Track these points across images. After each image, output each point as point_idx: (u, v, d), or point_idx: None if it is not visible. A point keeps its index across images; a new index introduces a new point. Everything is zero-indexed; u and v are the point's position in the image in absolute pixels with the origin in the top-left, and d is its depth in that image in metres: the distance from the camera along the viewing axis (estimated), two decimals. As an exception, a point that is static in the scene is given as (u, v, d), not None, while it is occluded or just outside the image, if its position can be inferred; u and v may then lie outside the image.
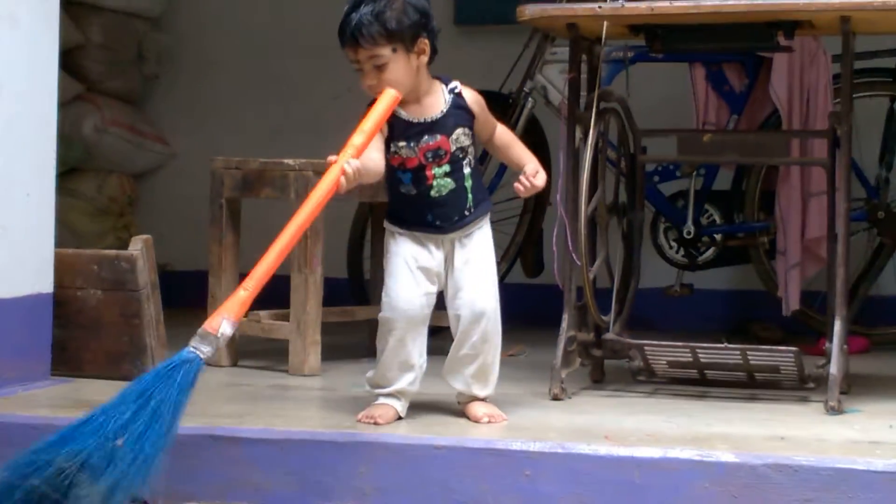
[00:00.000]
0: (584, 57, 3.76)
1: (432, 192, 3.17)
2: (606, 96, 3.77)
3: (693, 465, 2.86)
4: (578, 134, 3.65)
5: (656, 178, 4.91)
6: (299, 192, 3.99)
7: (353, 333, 4.54)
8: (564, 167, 3.69)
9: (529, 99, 4.92)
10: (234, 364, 4.17)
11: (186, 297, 4.99)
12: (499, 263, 5.03)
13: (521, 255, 5.11)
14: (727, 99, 4.85)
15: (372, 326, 4.41)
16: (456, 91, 3.20)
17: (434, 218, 3.18)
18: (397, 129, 3.17)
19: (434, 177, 3.17)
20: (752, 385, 3.74)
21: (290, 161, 4.04)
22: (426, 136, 3.15)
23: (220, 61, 6.14)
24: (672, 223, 4.90)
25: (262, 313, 4.11)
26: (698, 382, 3.78)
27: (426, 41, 3.13)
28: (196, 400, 3.47)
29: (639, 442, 2.98)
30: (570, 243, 3.58)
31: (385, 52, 3.08)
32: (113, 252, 3.85)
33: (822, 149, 4.21)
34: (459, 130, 3.17)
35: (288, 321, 4.02)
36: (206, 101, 6.14)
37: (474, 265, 3.21)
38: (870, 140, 4.82)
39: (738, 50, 4.61)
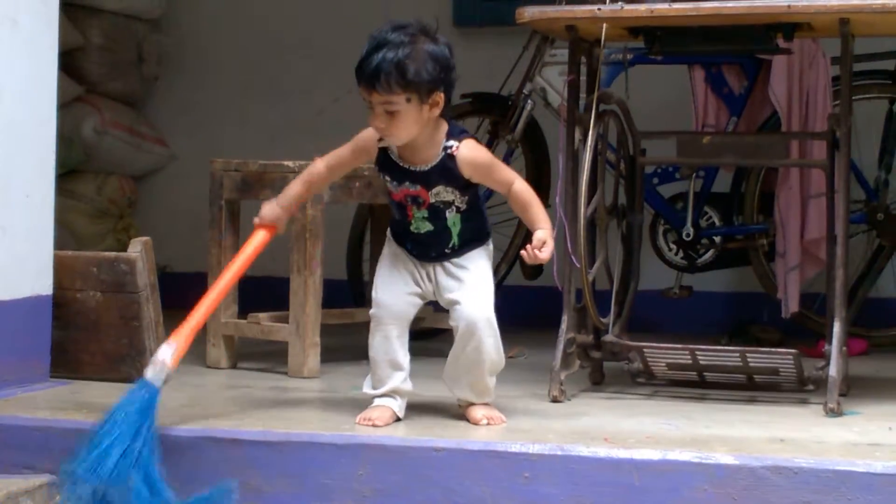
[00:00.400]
0: (583, 59, 3.76)
1: (412, 227, 3.20)
2: (606, 98, 3.77)
3: (692, 468, 2.86)
4: (578, 136, 3.65)
5: (655, 180, 4.90)
6: (299, 194, 3.99)
7: (353, 335, 4.53)
8: (563, 169, 3.69)
9: (529, 101, 4.92)
10: (234, 366, 4.18)
11: (186, 298, 4.97)
12: (498, 266, 5.07)
13: (520, 257, 5.11)
14: (726, 101, 4.85)
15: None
16: (449, 151, 3.13)
17: (412, 248, 3.23)
18: (386, 165, 3.19)
19: (413, 216, 3.19)
20: (752, 387, 3.74)
21: (289, 163, 4.04)
22: (407, 182, 3.16)
23: (220, 63, 6.14)
24: (671, 225, 4.90)
25: (262, 315, 4.11)
26: (698, 384, 3.78)
27: (441, 95, 3.09)
28: (195, 402, 3.49)
29: (638, 444, 2.98)
30: (569, 245, 3.58)
31: (399, 100, 3.05)
32: (112, 254, 3.85)
33: (822, 151, 4.21)
34: (440, 188, 3.15)
35: (287, 323, 4.02)
36: (206, 103, 6.14)
37: (466, 278, 3.20)
38: (869, 142, 4.82)
39: (737, 52, 4.61)
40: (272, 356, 4.25)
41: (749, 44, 3.76)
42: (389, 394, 3.23)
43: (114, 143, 5.84)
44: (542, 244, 3.11)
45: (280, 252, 4.22)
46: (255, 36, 6.08)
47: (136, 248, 3.77)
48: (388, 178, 3.20)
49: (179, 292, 5.07)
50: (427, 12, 5.90)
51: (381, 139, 3.18)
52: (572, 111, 3.69)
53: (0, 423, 3.20)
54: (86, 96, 5.78)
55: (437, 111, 3.10)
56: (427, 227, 3.19)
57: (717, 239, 4.89)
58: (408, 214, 3.19)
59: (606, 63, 4.48)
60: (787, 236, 4.65)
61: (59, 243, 3.85)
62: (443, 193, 3.16)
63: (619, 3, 3.68)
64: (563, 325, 3.63)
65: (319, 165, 3.30)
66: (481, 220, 3.26)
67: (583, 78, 3.78)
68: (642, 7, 3.57)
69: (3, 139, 3.51)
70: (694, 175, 4.85)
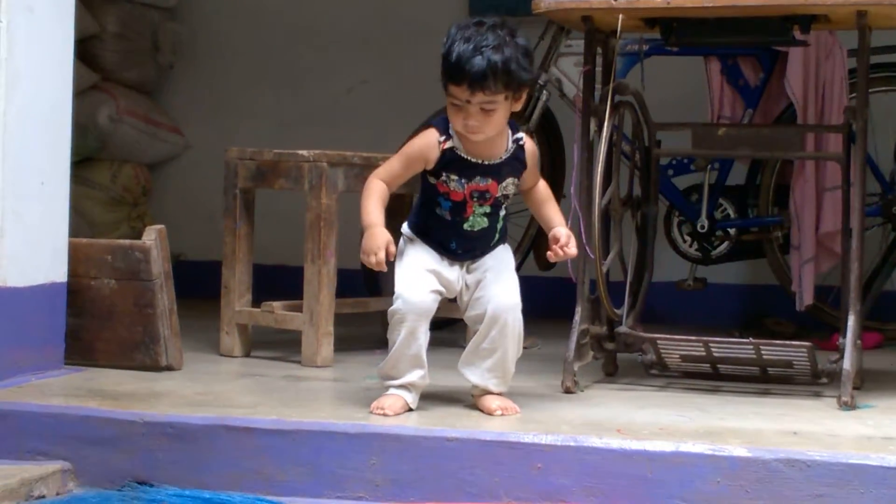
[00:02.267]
0: (599, 50, 3.76)
1: (465, 225, 3.22)
2: (621, 89, 3.76)
3: (705, 460, 2.86)
4: (593, 127, 3.64)
5: (670, 172, 4.90)
6: (313, 183, 3.99)
7: (366, 325, 4.55)
8: (578, 160, 3.68)
9: (544, 91, 4.91)
10: (247, 355, 4.18)
11: (200, 287, 5.00)
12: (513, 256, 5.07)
13: (534, 247, 5.11)
14: (742, 93, 4.84)
15: (385, 318, 4.41)
16: (520, 142, 3.24)
17: (457, 247, 3.24)
18: (453, 165, 3.19)
19: (473, 213, 3.21)
20: (765, 380, 3.73)
21: (304, 152, 4.04)
22: (478, 178, 3.20)
23: (236, 52, 6.14)
24: (686, 217, 4.89)
25: (276, 304, 4.11)
26: (711, 377, 3.77)
27: (526, 89, 3.17)
28: (209, 390, 3.50)
29: (651, 436, 2.97)
30: (583, 236, 3.58)
31: (500, 99, 3.10)
32: (127, 242, 3.86)
33: (837, 143, 4.20)
34: (510, 180, 3.23)
35: (301, 312, 4.03)
36: (221, 92, 6.14)
37: (495, 269, 3.24)
38: (885, 135, 4.81)
39: (753, 44, 4.60)
40: (286, 345, 4.26)
41: (766, 36, 3.74)
42: (406, 386, 3.23)
43: (129, 132, 5.84)
44: (569, 240, 3.19)
45: (294, 241, 4.23)
46: (270, 24, 6.08)
47: (151, 237, 3.78)
48: (453, 178, 3.19)
49: (194, 281, 5.11)
50: (442, 1, 5.96)
51: (445, 140, 3.18)
52: (588, 102, 3.68)
53: (14, 410, 3.21)
54: (101, 84, 5.79)
55: (520, 105, 3.17)
56: (482, 223, 3.22)
57: (732, 231, 4.88)
58: (465, 212, 3.20)
59: (622, 54, 4.47)
60: (802, 229, 4.64)
61: (74, 231, 3.86)
62: (510, 186, 3.23)
63: (636, -7, 3.67)
64: (577, 317, 3.63)
65: (377, 182, 3.24)
66: (508, 217, 3.33)
67: (598, 69, 3.77)
68: (659, -2, 3.56)
69: (18, 127, 3.51)
70: (709, 167, 4.84)
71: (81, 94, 5.41)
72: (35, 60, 3.57)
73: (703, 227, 4.84)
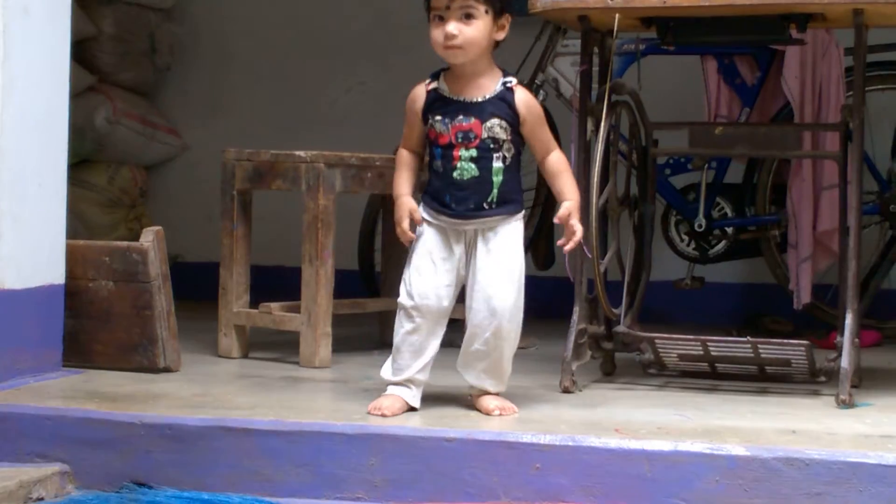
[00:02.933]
0: (595, 49, 3.76)
1: (455, 174, 3.20)
2: (618, 89, 3.76)
3: (704, 459, 2.86)
4: (590, 126, 3.65)
5: (668, 171, 4.90)
6: (310, 184, 3.99)
7: (364, 325, 4.55)
8: (576, 159, 3.69)
9: (541, 91, 4.91)
10: (245, 355, 4.18)
11: (198, 288, 5.00)
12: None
13: (532, 247, 5.11)
14: (739, 92, 4.84)
15: (382, 318, 4.42)
16: (508, 85, 3.21)
17: (451, 200, 3.21)
18: (436, 104, 3.22)
19: (460, 158, 3.19)
20: (763, 378, 3.74)
21: (301, 153, 4.04)
22: (461, 116, 3.19)
23: (233, 53, 6.14)
24: (683, 216, 4.89)
25: (273, 305, 4.11)
26: (709, 375, 3.77)
27: (508, 19, 3.20)
28: (207, 391, 3.50)
29: (649, 435, 2.98)
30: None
31: (480, 6, 3.13)
32: (124, 243, 3.85)
33: (835, 142, 4.21)
34: (495, 121, 3.19)
35: (299, 313, 4.03)
36: (218, 93, 6.14)
37: (496, 260, 3.21)
38: (882, 133, 4.81)
39: (750, 43, 4.60)
40: (284, 346, 4.26)
41: (762, 34, 3.75)
42: (404, 383, 3.23)
43: (126, 133, 5.84)
44: (569, 215, 3.18)
45: (292, 242, 4.23)
46: (268, 26, 6.08)
47: (148, 238, 3.78)
48: (438, 118, 3.20)
49: (191, 282, 5.11)
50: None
51: (430, 82, 3.23)
52: (584, 101, 3.69)
53: (12, 412, 3.21)
54: (98, 86, 5.78)
55: (502, 35, 3.19)
56: (472, 171, 3.18)
57: (730, 230, 4.88)
58: (453, 158, 3.18)
59: (619, 53, 4.48)
60: (799, 227, 4.64)
61: (72, 233, 3.85)
62: (496, 129, 3.19)
63: (632, -7, 3.67)
64: (575, 316, 3.63)
65: (403, 153, 3.32)
66: (518, 183, 3.28)
67: (595, 68, 3.77)
68: (655, -3, 3.56)
69: (15, 129, 3.51)
70: (706, 166, 4.84)
71: (78, 95, 5.40)
72: (31, 63, 3.57)
73: (700, 226, 4.85)
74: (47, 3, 3.63)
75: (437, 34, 3.16)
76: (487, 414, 3.20)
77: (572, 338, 3.58)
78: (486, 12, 3.14)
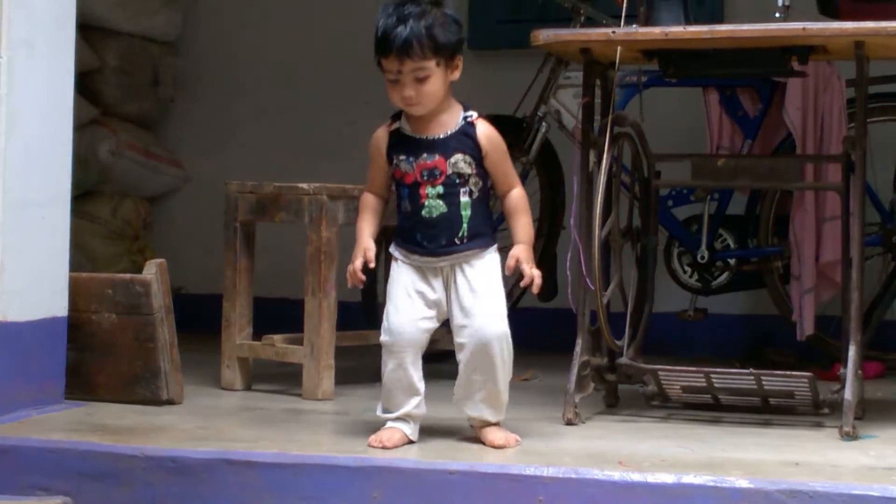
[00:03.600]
0: (597, 81, 3.77)
1: (423, 212, 3.20)
2: (620, 121, 3.77)
3: (707, 491, 2.85)
4: (592, 158, 3.65)
5: (670, 203, 4.90)
6: (313, 216, 4.00)
7: (367, 358, 4.54)
8: (578, 191, 3.69)
9: (543, 123, 4.93)
10: (248, 388, 4.18)
11: (201, 320, 5.00)
12: (513, 287, 5.07)
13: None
14: (741, 123, 4.85)
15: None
16: (469, 119, 3.22)
17: (422, 238, 3.21)
18: (400, 144, 3.23)
19: (427, 196, 3.20)
20: (767, 410, 3.73)
21: (304, 185, 4.04)
22: (425, 154, 3.20)
23: (236, 85, 6.16)
24: (686, 248, 4.89)
25: (276, 337, 4.11)
26: (712, 407, 3.77)
27: (461, 58, 3.21)
28: (210, 424, 3.49)
29: (653, 467, 2.97)
30: (583, 267, 3.58)
31: (430, 65, 3.14)
32: (127, 276, 3.86)
33: (837, 173, 4.21)
34: (459, 156, 3.19)
35: (301, 345, 4.03)
36: (222, 125, 6.16)
37: (478, 293, 3.20)
38: (884, 164, 4.81)
39: (752, 75, 4.61)
40: (287, 378, 4.25)
41: (764, 67, 3.76)
42: (403, 417, 3.23)
43: (129, 165, 5.86)
44: (516, 262, 3.17)
45: (295, 274, 4.23)
46: (270, 57, 6.10)
47: (151, 270, 3.78)
48: (402, 158, 3.22)
49: (194, 314, 5.11)
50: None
51: (392, 122, 3.25)
52: (587, 133, 3.69)
53: (15, 445, 3.21)
54: (101, 118, 5.80)
55: (457, 74, 3.20)
56: (440, 208, 3.18)
57: (732, 261, 4.88)
58: (420, 196, 3.19)
59: (621, 85, 4.48)
60: (802, 259, 4.64)
61: (75, 265, 3.86)
62: (461, 164, 3.19)
63: (634, 25, 3.69)
64: (578, 348, 3.62)
65: (367, 196, 3.35)
66: (488, 216, 3.27)
67: (597, 100, 3.78)
68: (657, 30, 3.57)
69: (19, 161, 3.52)
70: (708, 197, 4.85)
71: (82, 128, 5.42)
72: (35, 96, 3.58)
73: (703, 257, 4.85)
74: (51, 36, 3.65)
75: (393, 94, 3.19)
76: (491, 445, 3.19)
77: (575, 370, 3.58)
78: (439, 65, 3.15)
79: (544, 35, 3.62)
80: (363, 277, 3.21)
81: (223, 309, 4.19)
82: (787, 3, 4.02)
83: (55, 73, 3.67)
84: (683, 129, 5.18)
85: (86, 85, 5.64)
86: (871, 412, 3.72)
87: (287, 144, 6.00)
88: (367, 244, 3.24)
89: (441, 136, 3.20)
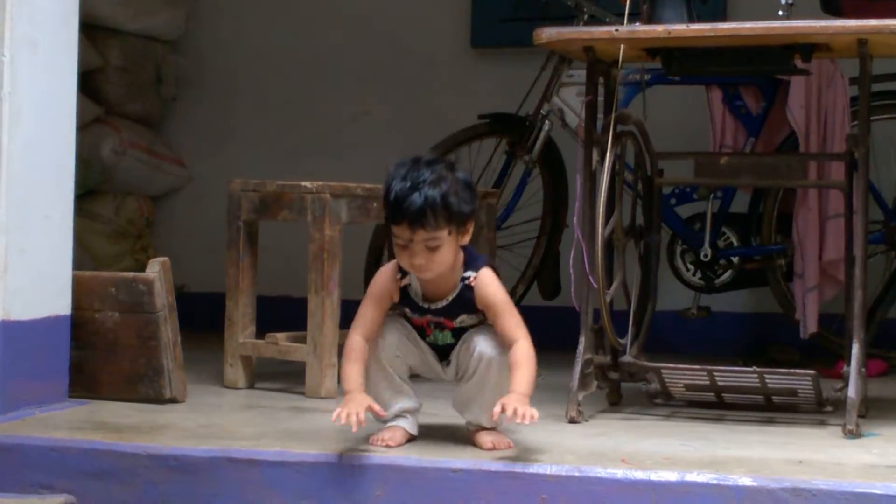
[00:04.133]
0: (600, 80, 3.76)
1: (429, 339, 3.19)
2: (623, 119, 3.77)
3: (710, 489, 2.85)
4: (595, 156, 3.65)
5: (673, 201, 4.90)
6: (316, 215, 4.00)
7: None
8: (581, 190, 3.69)
9: (546, 122, 4.93)
10: (251, 386, 4.18)
11: (204, 319, 5.01)
12: (516, 286, 5.08)
13: (538, 277, 5.12)
14: (744, 121, 4.85)
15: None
16: (466, 282, 3.11)
17: (426, 344, 3.20)
18: (405, 300, 3.16)
19: (432, 333, 3.18)
20: (770, 408, 3.73)
21: (307, 184, 4.04)
22: (430, 315, 3.15)
23: (238, 84, 6.16)
24: (689, 246, 4.89)
25: (279, 335, 4.11)
26: (715, 405, 3.77)
27: (472, 222, 3.09)
28: (213, 422, 3.49)
29: (656, 465, 2.97)
30: (586, 266, 3.58)
31: (443, 234, 3.01)
32: (130, 274, 3.86)
33: (840, 171, 4.20)
34: (463, 316, 3.14)
35: (304, 343, 4.02)
36: (224, 124, 6.16)
37: (475, 333, 3.17)
38: (887, 162, 4.82)
39: (755, 73, 4.61)
40: (290, 376, 4.25)
41: (767, 65, 3.75)
42: (399, 414, 3.23)
43: (132, 164, 5.86)
44: (501, 408, 2.97)
45: (298, 272, 4.23)
46: (273, 57, 6.10)
47: (154, 269, 3.78)
48: (408, 310, 3.17)
49: (197, 312, 5.11)
50: (444, 33, 5.98)
51: (402, 278, 3.15)
52: (590, 132, 3.69)
53: (18, 443, 3.21)
54: (104, 117, 5.81)
55: (467, 238, 3.09)
56: (448, 339, 3.18)
57: (735, 259, 4.88)
58: (426, 331, 3.18)
59: (624, 84, 4.49)
60: (805, 257, 4.64)
61: (78, 263, 3.86)
62: (465, 320, 3.14)
63: (637, 24, 3.69)
64: (581, 346, 3.62)
65: (357, 340, 3.16)
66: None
67: (600, 98, 3.78)
68: (660, 28, 3.57)
69: (22, 160, 3.52)
70: (711, 196, 4.85)
71: (85, 127, 5.42)
72: (38, 94, 3.58)
73: (706, 255, 4.85)
74: (55, 35, 3.65)
75: (402, 258, 3.07)
76: (482, 449, 3.16)
77: (578, 368, 3.58)
78: (450, 233, 3.02)
79: (547, 33, 3.62)
80: (363, 421, 3.01)
81: (226, 307, 4.19)
82: (790, 1, 4.03)
83: (58, 72, 3.68)
84: (686, 128, 5.18)
85: (89, 84, 5.65)
86: (874, 410, 3.72)
87: (290, 143, 6.01)
88: (368, 401, 3.04)
89: (443, 305, 3.13)
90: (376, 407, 3.05)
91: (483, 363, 3.13)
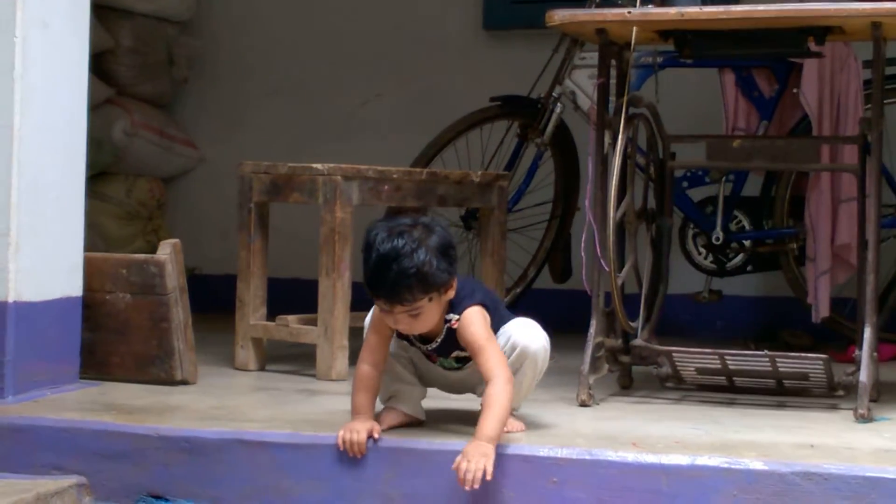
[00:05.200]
0: (613, 62, 3.75)
1: (437, 363, 3.18)
2: (635, 101, 3.76)
3: (721, 473, 2.85)
4: (607, 139, 3.64)
5: (685, 184, 4.89)
6: (328, 197, 3.99)
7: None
8: (593, 173, 3.68)
9: (558, 104, 4.92)
10: (262, 368, 4.18)
11: (215, 301, 5.01)
12: (527, 269, 5.07)
13: (549, 260, 5.11)
14: (757, 104, 4.84)
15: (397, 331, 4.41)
16: (448, 325, 3.06)
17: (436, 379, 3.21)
18: (401, 335, 3.14)
19: (438, 360, 3.17)
20: (781, 392, 3.73)
21: (318, 165, 4.04)
22: (425, 348, 3.14)
23: (250, 66, 6.15)
24: (701, 229, 4.88)
25: (290, 318, 4.11)
26: (727, 389, 3.76)
27: (455, 279, 3.03)
28: (224, 404, 3.50)
29: (667, 449, 2.97)
30: (598, 249, 3.58)
31: (423, 304, 2.98)
32: (142, 256, 3.86)
33: (853, 155, 4.19)
34: (457, 352, 3.12)
35: (315, 326, 4.03)
36: (236, 106, 6.15)
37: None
38: (901, 146, 4.80)
39: (768, 56, 4.59)
40: (300, 358, 4.26)
41: (780, 47, 3.74)
42: (394, 395, 3.20)
43: (143, 146, 5.86)
44: (461, 456, 2.85)
45: (309, 255, 4.23)
46: (285, 38, 6.09)
47: (166, 251, 3.79)
48: (408, 342, 3.16)
49: (208, 295, 5.12)
50: (456, 15, 5.96)
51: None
52: (602, 114, 3.68)
53: (30, 424, 3.22)
54: (116, 98, 5.80)
55: (452, 293, 3.03)
56: (454, 365, 3.17)
57: (747, 243, 4.87)
58: (432, 358, 3.18)
59: (636, 66, 4.47)
60: (817, 241, 4.63)
61: (89, 245, 3.86)
62: (460, 353, 3.11)
63: (650, 6, 3.67)
64: (592, 329, 3.62)
65: (364, 369, 3.13)
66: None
67: (612, 81, 3.77)
68: (673, 10, 3.56)
69: (33, 141, 3.52)
70: (724, 179, 4.84)
71: (96, 108, 5.42)
72: (50, 75, 3.58)
73: (718, 239, 4.84)
74: (66, 16, 3.64)
75: (388, 321, 3.04)
76: None
77: (589, 351, 3.58)
78: (430, 300, 2.97)
79: (559, 15, 3.61)
80: (364, 448, 3.00)
81: (237, 289, 4.19)
82: (803, -16, 4.00)
83: (70, 53, 3.68)
84: (699, 110, 5.16)
85: (100, 65, 5.65)
86: (885, 394, 3.71)
87: (301, 125, 6.00)
88: (374, 425, 3.04)
89: (435, 346, 3.11)
90: (377, 432, 3.03)
91: (520, 356, 3.10)
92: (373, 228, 3.00)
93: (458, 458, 2.85)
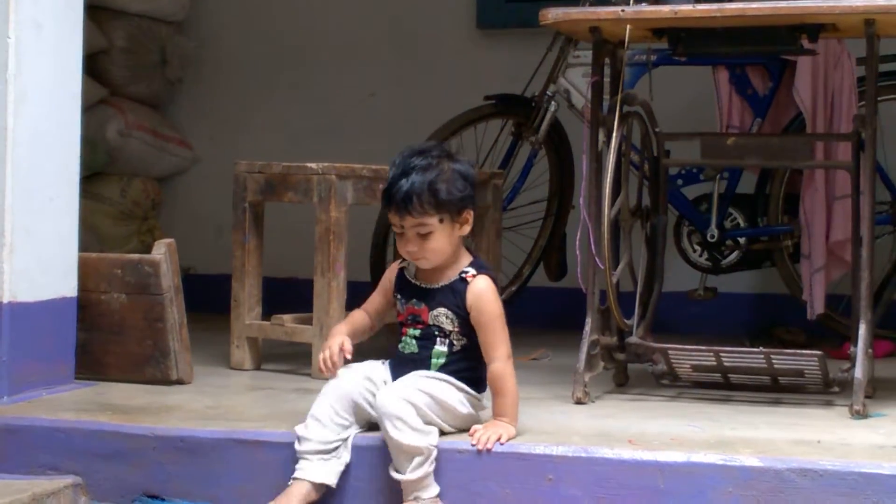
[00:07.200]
0: (607, 60, 3.76)
1: (400, 345, 3.14)
2: (629, 100, 3.76)
3: (717, 470, 2.85)
4: (601, 137, 3.65)
5: (680, 182, 4.89)
6: (322, 196, 3.99)
7: (376, 338, 4.52)
8: (587, 171, 3.68)
9: (552, 102, 4.92)
10: (257, 368, 4.18)
11: (210, 300, 5.01)
12: (522, 267, 5.07)
13: (544, 258, 5.11)
14: (751, 102, 4.84)
15: (392, 330, 4.42)
16: (463, 276, 3.07)
17: (391, 367, 3.13)
18: (400, 283, 3.16)
19: (406, 334, 3.13)
20: (777, 389, 3.73)
21: (313, 165, 4.04)
22: (415, 300, 3.12)
23: (243, 65, 6.15)
24: (696, 226, 4.88)
25: (286, 317, 4.11)
26: (722, 386, 3.77)
27: (471, 212, 3.07)
28: (219, 403, 3.50)
29: (662, 446, 2.97)
30: (593, 247, 3.58)
31: (432, 221, 3.01)
32: (136, 256, 3.86)
33: (847, 152, 4.20)
34: (442, 310, 3.08)
35: (311, 325, 4.03)
36: (229, 105, 6.15)
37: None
38: (894, 143, 4.80)
39: (761, 53, 4.59)
40: (296, 358, 4.26)
41: (774, 45, 3.74)
42: (312, 452, 3.01)
43: (137, 146, 5.86)
44: (474, 433, 2.98)
45: (304, 254, 4.23)
46: (279, 38, 6.09)
47: (160, 251, 3.79)
48: (399, 297, 3.16)
49: (203, 294, 5.11)
50: (450, 14, 5.96)
51: (401, 262, 3.16)
52: (596, 113, 3.68)
53: (25, 425, 3.22)
54: (109, 99, 5.80)
55: (467, 228, 3.07)
56: (412, 346, 3.11)
57: (742, 240, 4.87)
58: (402, 332, 3.14)
59: (630, 64, 4.48)
60: (812, 238, 4.63)
61: (84, 245, 3.86)
62: (441, 318, 3.08)
63: (643, 4, 3.67)
64: (587, 327, 3.62)
65: (356, 311, 3.24)
66: (472, 374, 3.09)
67: (606, 79, 3.77)
68: (666, 8, 3.56)
69: (27, 142, 3.52)
70: (718, 176, 4.84)
71: (90, 108, 5.42)
72: (43, 76, 3.58)
73: (712, 236, 4.84)
74: (59, 17, 3.64)
75: (399, 246, 3.09)
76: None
77: (585, 349, 3.58)
78: (442, 221, 3.01)
79: (553, 14, 3.61)
80: (333, 371, 3.05)
81: (232, 289, 4.19)
82: (796, -19, 4.00)
83: (63, 54, 3.67)
84: (693, 108, 5.16)
85: (94, 65, 5.64)
86: (881, 391, 3.72)
87: (295, 124, 6.00)
88: (343, 338, 3.09)
89: (433, 286, 3.10)
90: (348, 346, 3.08)
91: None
92: (400, 152, 3.09)
93: (474, 429, 2.99)
